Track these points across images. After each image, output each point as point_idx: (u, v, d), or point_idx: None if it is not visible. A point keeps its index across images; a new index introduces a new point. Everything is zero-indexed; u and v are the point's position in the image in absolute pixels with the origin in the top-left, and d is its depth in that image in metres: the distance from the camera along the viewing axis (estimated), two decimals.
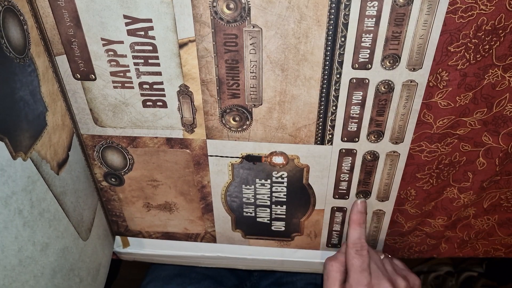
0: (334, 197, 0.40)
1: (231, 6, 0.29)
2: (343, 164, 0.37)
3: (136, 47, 0.31)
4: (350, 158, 0.37)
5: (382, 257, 0.40)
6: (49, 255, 0.31)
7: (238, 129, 0.35)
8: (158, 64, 0.32)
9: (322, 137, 0.35)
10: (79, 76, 0.33)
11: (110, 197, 0.41)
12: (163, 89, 0.33)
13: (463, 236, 0.47)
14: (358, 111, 0.34)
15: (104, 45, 0.31)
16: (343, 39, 0.30)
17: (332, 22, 0.29)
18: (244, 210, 0.42)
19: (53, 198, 0.31)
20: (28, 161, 0.28)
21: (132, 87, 0.33)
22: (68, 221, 0.33)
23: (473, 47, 0.31)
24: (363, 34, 0.30)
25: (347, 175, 0.38)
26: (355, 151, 0.36)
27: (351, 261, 0.37)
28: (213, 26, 0.30)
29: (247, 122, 0.35)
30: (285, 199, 0.40)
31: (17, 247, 0.27)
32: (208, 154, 0.37)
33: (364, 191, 0.39)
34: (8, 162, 0.26)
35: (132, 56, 0.31)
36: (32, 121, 0.29)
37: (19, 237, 0.27)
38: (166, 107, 0.34)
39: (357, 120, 0.34)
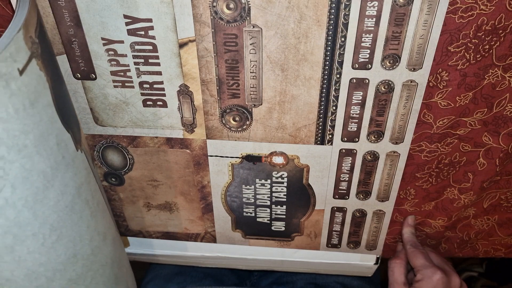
0: (334, 197, 0.40)
1: (231, 6, 0.29)
2: (343, 164, 0.37)
3: (136, 47, 0.31)
4: (350, 158, 0.37)
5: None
6: (107, 244, 0.31)
7: (238, 129, 0.35)
8: (158, 64, 0.32)
9: (322, 137, 0.35)
10: (79, 76, 0.33)
11: (110, 197, 0.41)
12: (163, 89, 0.33)
13: (463, 236, 0.47)
14: (358, 111, 0.34)
15: (104, 44, 0.31)
16: (343, 39, 0.30)
17: (332, 22, 0.29)
18: (244, 210, 0.42)
19: (99, 190, 0.31)
20: (83, 153, 0.28)
21: (133, 87, 0.33)
22: (109, 213, 0.34)
23: (473, 47, 0.31)
24: (363, 34, 0.30)
25: (347, 175, 0.38)
26: (355, 151, 0.36)
27: (415, 257, 0.41)
28: (213, 26, 0.30)
29: (247, 122, 0.35)
30: (285, 199, 0.40)
31: (89, 236, 0.28)
32: (208, 154, 0.37)
33: (364, 191, 0.39)
34: (74, 153, 0.26)
35: (132, 55, 0.32)
36: (74, 116, 0.29)
37: (89, 226, 0.28)
38: (166, 106, 0.34)
39: (357, 120, 0.34)
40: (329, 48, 0.30)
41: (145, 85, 0.33)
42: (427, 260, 0.40)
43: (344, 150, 0.36)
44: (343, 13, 0.29)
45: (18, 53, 0.20)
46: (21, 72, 0.20)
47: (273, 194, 0.40)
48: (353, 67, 0.31)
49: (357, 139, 0.35)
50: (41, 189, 0.22)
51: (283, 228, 0.43)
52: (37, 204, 0.22)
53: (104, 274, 0.30)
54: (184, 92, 0.33)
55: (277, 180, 0.39)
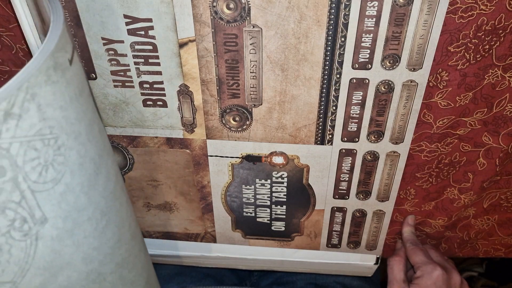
0: (334, 197, 0.40)
1: (231, 6, 0.29)
2: (343, 164, 0.37)
3: (137, 47, 0.31)
4: (350, 158, 0.37)
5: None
6: (139, 231, 0.32)
7: (238, 129, 0.35)
8: (158, 64, 0.32)
9: (322, 137, 0.35)
10: None
11: None
12: (163, 89, 0.33)
13: (463, 236, 0.47)
14: (358, 111, 0.34)
15: (104, 44, 0.31)
16: (343, 39, 0.30)
17: (332, 22, 0.29)
18: (244, 210, 0.42)
19: None
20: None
21: (133, 86, 0.33)
22: None
23: (473, 47, 0.31)
24: (363, 34, 0.30)
25: (347, 175, 0.38)
26: (355, 151, 0.36)
27: (415, 254, 0.41)
28: (213, 26, 0.30)
29: (247, 122, 0.35)
30: (285, 199, 0.40)
31: (128, 222, 0.29)
32: (208, 154, 0.37)
33: (364, 191, 0.39)
34: (109, 143, 0.27)
35: (133, 55, 0.32)
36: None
37: (127, 212, 0.29)
38: (166, 106, 0.34)
39: (357, 120, 0.34)
40: (329, 48, 0.30)
41: (145, 85, 0.33)
42: (426, 257, 0.40)
43: (344, 150, 0.36)
44: (343, 13, 0.29)
45: (66, 43, 0.21)
46: (70, 62, 0.21)
47: (273, 194, 0.40)
48: (353, 67, 0.31)
49: (357, 139, 0.35)
50: (93, 175, 0.23)
51: (283, 228, 0.43)
52: (91, 190, 0.23)
53: (141, 259, 0.32)
54: (184, 92, 0.33)
55: (277, 180, 0.39)
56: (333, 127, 0.35)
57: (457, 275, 0.40)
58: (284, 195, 0.40)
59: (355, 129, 0.35)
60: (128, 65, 0.32)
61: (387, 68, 0.31)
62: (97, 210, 0.24)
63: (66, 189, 0.21)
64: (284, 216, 0.42)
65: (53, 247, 0.22)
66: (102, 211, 0.25)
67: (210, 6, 0.29)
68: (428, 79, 0.32)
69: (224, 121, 0.35)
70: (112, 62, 0.32)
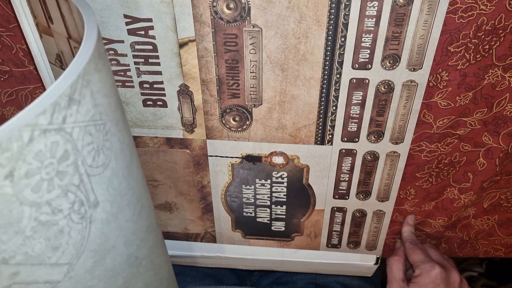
0: (334, 197, 0.40)
1: (231, 6, 0.29)
2: (343, 164, 0.37)
3: (137, 47, 0.31)
4: (350, 158, 0.37)
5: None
6: (158, 221, 0.33)
7: (238, 129, 0.35)
8: (158, 64, 0.32)
9: (322, 137, 0.35)
10: None
11: None
12: (163, 89, 0.33)
13: (463, 236, 0.47)
14: (358, 111, 0.34)
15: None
16: (343, 39, 0.30)
17: (332, 22, 0.29)
18: (244, 210, 0.42)
19: None
20: None
21: (133, 86, 0.33)
22: None
23: (473, 47, 0.31)
24: (363, 34, 0.30)
25: (347, 175, 0.38)
26: (355, 151, 0.36)
27: (414, 253, 0.41)
28: (213, 26, 0.30)
29: (247, 122, 0.35)
30: (285, 199, 0.40)
31: (153, 209, 0.30)
32: (208, 154, 0.37)
33: (364, 191, 0.39)
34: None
35: (133, 55, 0.32)
36: None
37: (151, 200, 0.30)
38: (166, 106, 0.34)
39: (357, 120, 0.34)
40: (329, 48, 0.30)
41: (145, 85, 0.33)
42: (425, 255, 0.40)
43: (344, 150, 0.36)
44: (343, 13, 0.29)
45: (100, 36, 0.21)
46: (105, 52, 0.22)
47: (273, 194, 0.40)
48: (353, 67, 0.31)
49: (357, 139, 0.35)
50: (129, 161, 0.24)
51: (283, 228, 0.43)
52: (128, 175, 0.24)
53: (164, 246, 0.33)
54: (184, 92, 0.33)
55: (277, 180, 0.39)
56: (333, 127, 0.35)
57: (456, 274, 0.40)
58: (284, 195, 0.40)
59: (355, 129, 0.35)
60: (128, 65, 0.32)
61: (387, 68, 0.31)
62: (134, 195, 0.25)
63: (112, 174, 0.22)
64: (284, 216, 0.42)
65: (102, 230, 0.22)
66: (138, 196, 0.25)
67: (210, 6, 0.29)
68: (428, 79, 0.32)
69: (224, 121, 0.35)
70: (112, 62, 0.32)
